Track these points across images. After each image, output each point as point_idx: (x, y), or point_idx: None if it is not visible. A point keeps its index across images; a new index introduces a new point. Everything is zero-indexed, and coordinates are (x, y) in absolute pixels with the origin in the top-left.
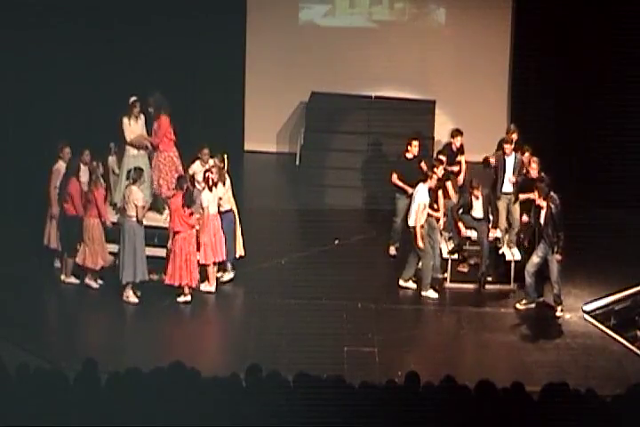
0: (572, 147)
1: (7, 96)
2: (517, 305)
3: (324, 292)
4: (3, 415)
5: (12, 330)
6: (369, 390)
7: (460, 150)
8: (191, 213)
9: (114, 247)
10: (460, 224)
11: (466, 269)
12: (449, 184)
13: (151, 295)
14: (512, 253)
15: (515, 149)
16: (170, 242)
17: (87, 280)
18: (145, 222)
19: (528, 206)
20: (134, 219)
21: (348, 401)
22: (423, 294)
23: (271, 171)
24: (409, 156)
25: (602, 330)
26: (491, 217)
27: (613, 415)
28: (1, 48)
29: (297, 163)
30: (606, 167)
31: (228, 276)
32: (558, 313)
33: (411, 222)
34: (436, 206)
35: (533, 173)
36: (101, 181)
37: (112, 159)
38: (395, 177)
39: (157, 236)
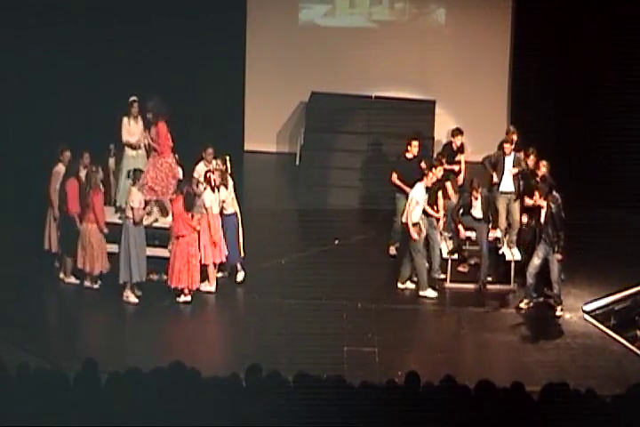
0: (572, 147)
1: (7, 96)
2: (520, 305)
3: (324, 292)
4: (3, 415)
5: (12, 330)
6: (369, 390)
7: (460, 150)
8: (192, 216)
9: (114, 247)
10: (460, 226)
11: (466, 270)
12: (448, 184)
13: (151, 295)
14: (512, 253)
15: (514, 150)
16: (172, 245)
17: (87, 283)
18: (145, 223)
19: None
20: (130, 220)
21: (348, 401)
22: (421, 293)
23: (271, 171)
24: (409, 156)
25: (602, 330)
26: (490, 217)
27: (613, 415)
28: (1, 48)
29: (297, 163)
30: (606, 167)
31: (241, 276)
32: (558, 313)
33: (403, 218)
34: (435, 207)
35: (543, 176)
36: (100, 186)
37: (112, 161)
38: (394, 177)
39: (157, 236)
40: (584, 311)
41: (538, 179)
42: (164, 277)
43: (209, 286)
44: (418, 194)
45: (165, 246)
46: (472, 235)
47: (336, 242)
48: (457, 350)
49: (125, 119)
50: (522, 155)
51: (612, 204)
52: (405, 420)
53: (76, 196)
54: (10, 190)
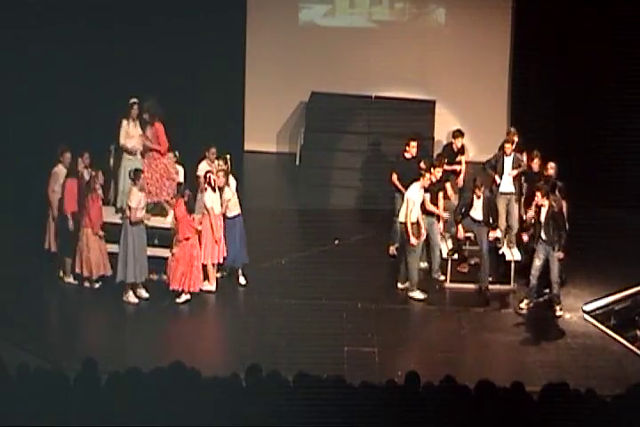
0: (572, 147)
1: (7, 96)
2: (520, 305)
3: (324, 292)
4: (3, 415)
5: (12, 330)
6: (369, 390)
7: (461, 151)
8: (193, 218)
9: (114, 247)
10: (460, 227)
11: (466, 270)
12: (448, 185)
13: (151, 295)
14: (512, 253)
15: (515, 150)
16: (175, 248)
17: (86, 284)
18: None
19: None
20: (128, 220)
21: (348, 401)
22: (410, 295)
23: (271, 171)
24: (407, 156)
25: (602, 330)
26: (491, 220)
27: (613, 415)
28: (1, 48)
29: (297, 163)
30: (606, 167)
31: (243, 280)
32: (558, 313)
33: (401, 218)
34: (436, 209)
35: (551, 178)
36: (99, 192)
37: (112, 161)
38: (394, 177)
39: (157, 236)
40: (584, 311)
41: (541, 179)
42: (164, 277)
43: (209, 286)
44: (413, 194)
45: (165, 246)
46: (472, 235)
47: (336, 242)
48: (457, 350)
49: (125, 122)
50: (523, 156)
51: (612, 204)
52: (405, 420)
53: (74, 196)
54: (10, 190)
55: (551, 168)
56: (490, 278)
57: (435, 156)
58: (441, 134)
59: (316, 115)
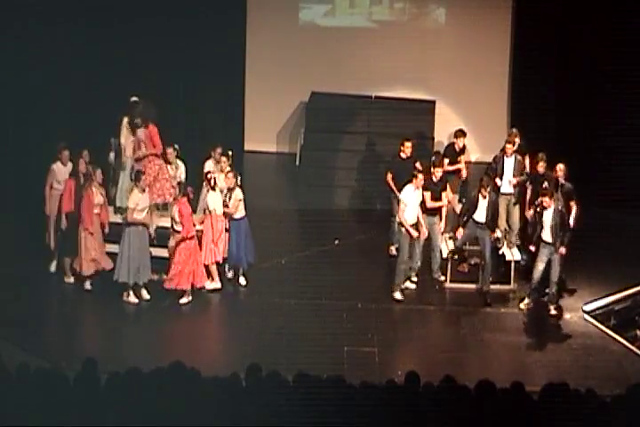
0: (572, 147)
1: (7, 96)
2: (520, 305)
3: (323, 292)
4: (3, 415)
5: (12, 330)
6: (369, 390)
7: (462, 151)
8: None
9: (114, 248)
10: (461, 230)
11: (466, 270)
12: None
13: (151, 295)
14: (512, 253)
15: (516, 151)
16: (178, 248)
17: (86, 285)
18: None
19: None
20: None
21: (348, 401)
22: (392, 294)
23: (271, 171)
24: (403, 156)
25: (602, 330)
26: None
27: (613, 415)
28: (1, 48)
29: (297, 163)
30: (606, 167)
31: (243, 280)
32: (552, 312)
33: (397, 218)
34: (439, 202)
35: (559, 179)
36: (93, 189)
37: (112, 155)
38: (389, 177)
39: (157, 236)
40: (584, 311)
41: (545, 180)
42: (165, 277)
43: (215, 284)
44: (405, 195)
45: (166, 246)
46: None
47: (336, 242)
48: (457, 350)
49: (126, 119)
50: (526, 159)
51: (612, 204)
52: (405, 420)
53: (71, 196)
54: (10, 190)
55: (560, 170)
56: (490, 278)
57: (433, 156)
58: (441, 134)
59: (315, 115)
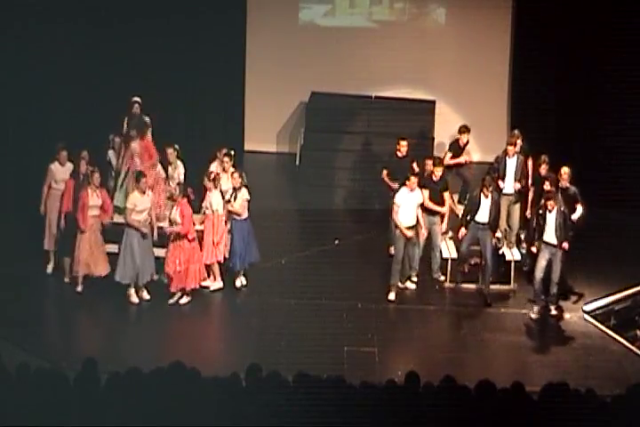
0: (572, 147)
1: (7, 96)
2: (532, 316)
3: (323, 292)
4: (3, 415)
5: (12, 330)
6: (369, 390)
7: (466, 146)
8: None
9: (113, 248)
10: (463, 230)
11: (466, 270)
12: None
13: (151, 295)
14: (512, 254)
15: (517, 152)
16: (180, 248)
17: (78, 288)
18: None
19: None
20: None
21: (348, 401)
22: (387, 294)
23: (271, 171)
24: (399, 155)
25: (602, 330)
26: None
27: (613, 415)
28: (1, 48)
29: (297, 163)
30: (606, 167)
31: (243, 280)
32: (553, 312)
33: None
34: (437, 207)
35: (564, 182)
36: (88, 189)
37: (111, 153)
38: (384, 173)
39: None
40: (584, 311)
41: (547, 182)
42: (171, 284)
43: (217, 284)
44: (399, 197)
45: (165, 246)
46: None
47: (336, 242)
48: (457, 350)
49: (127, 120)
50: (527, 161)
51: (612, 204)
52: (405, 420)
53: (70, 195)
54: (10, 190)
55: (565, 173)
56: (490, 279)
57: (433, 156)
58: (441, 134)
59: (315, 115)
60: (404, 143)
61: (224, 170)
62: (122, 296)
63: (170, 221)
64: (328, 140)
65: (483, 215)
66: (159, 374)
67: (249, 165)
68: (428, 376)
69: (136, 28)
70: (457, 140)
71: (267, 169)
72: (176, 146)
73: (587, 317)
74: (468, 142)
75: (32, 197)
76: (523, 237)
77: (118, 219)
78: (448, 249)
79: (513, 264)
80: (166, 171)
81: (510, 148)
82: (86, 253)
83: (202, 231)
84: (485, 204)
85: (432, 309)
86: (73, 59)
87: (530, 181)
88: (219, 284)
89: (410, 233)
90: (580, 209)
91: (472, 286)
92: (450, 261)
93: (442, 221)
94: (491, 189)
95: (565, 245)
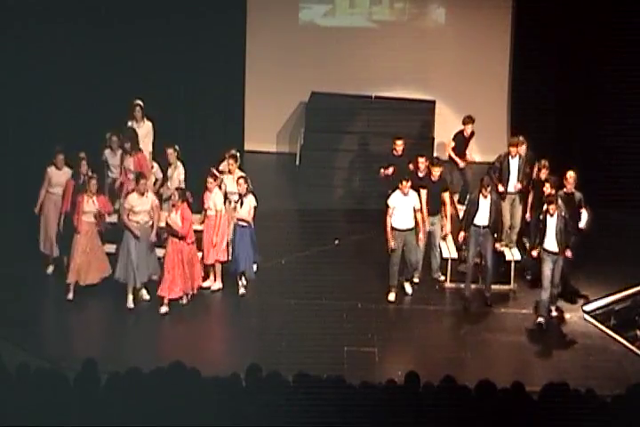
0: (572, 147)
1: (7, 96)
2: (540, 320)
3: (323, 292)
4: (3, 415)
5: (12, 330)
6: (369, 390)
7: (471, 137)
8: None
9: (112, 248)
10: (462, 234)
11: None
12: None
13: (152, 295)
14: (512, 254)
15: (518, 154)
16: (181, 253)
17: (69, 295)
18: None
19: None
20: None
21: (348, 401)
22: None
23: (271, 171)
24: (395, 154)
25: (602, 330)
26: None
27: (613, 415)
28: (1, 48)
29: (297, 163)
30: (606, 167)
31: (243, 281)
32: (553, 313)
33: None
34: (426, 212)
35: (570, 187)
36: (85, 197)
37: (108, 152)
38: (382, 171)
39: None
40: (584, 311)
41: (568, 191)
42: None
43: (217, 284)
44: (392, 200)
45: (164, 247)
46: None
47: (336, 242)
48: (457, 350)
49: (129, 124)
50: (532, 169)
51: (612, 204)
52: (405, 420)
53: (69, 198)
54: (10, 190)
55: (570, 177)
56: (491, 281)
57: (432, 156)
58: (441, 134)
59: (315, 115)
60: (399, 143)
61: (229, 171)
62: (122, 296)
63: (167, 223)
64: (328, 140)
65: (482, 218)
66: (159, 374)
67: (249, 165)
68: (428, 376)
69: (136, 28)
70: (461, 131)
71: (267, 169)
72: (176, 146)
73: (587, 317)
74: (473, 134)
75: (32, 197)
76: (525, 241)
77: (111, 218)
78: (448, 249)
79: (513, 264)
80: (166, 172)
81: (512, 149)
82: (80, 258)
83: (201, 231)
84: (484, 205)
85: (432, 309)
86: (73, 59)
87: (530, 185)
88: (218, 284)
89: (392, 244)
90: (585, 215)
91: (472, 285)
92: (450, 261)
93: (444, 222)
94: (489, 189)
95: (569, 253)
